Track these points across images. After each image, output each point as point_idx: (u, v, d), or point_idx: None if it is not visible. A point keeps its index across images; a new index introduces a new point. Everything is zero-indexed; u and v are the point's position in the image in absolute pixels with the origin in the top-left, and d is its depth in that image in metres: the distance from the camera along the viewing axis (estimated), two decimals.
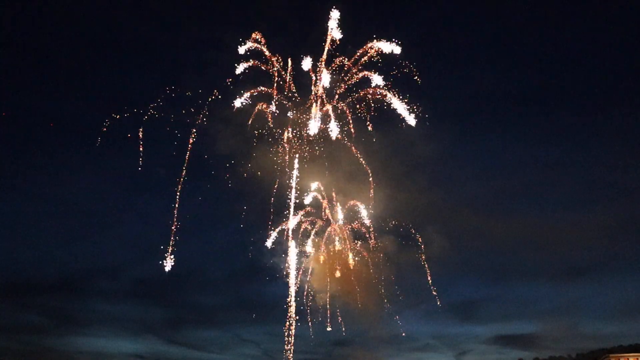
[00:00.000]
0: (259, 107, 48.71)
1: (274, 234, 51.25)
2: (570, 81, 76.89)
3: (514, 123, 76.82)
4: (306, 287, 54.23)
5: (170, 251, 48.71)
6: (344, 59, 47.38)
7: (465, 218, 61.01)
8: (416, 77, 46.07)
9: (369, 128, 48.22)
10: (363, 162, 51.03)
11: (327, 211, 53.87)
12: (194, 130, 51.00)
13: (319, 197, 52.58)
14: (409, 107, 45.60)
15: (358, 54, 47.12)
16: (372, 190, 52.00)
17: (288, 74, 47.26)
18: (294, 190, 50.94)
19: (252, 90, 48.69)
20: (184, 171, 50.52)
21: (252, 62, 47.36)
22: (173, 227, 47.99)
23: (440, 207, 55.73)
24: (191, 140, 50.40)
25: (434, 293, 54.09)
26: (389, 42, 45.58)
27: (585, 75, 76.33)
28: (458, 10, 69.41)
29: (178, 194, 48.99)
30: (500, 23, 71.36)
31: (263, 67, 47.33)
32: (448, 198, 56.61)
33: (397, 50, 44.65)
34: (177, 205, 48.58)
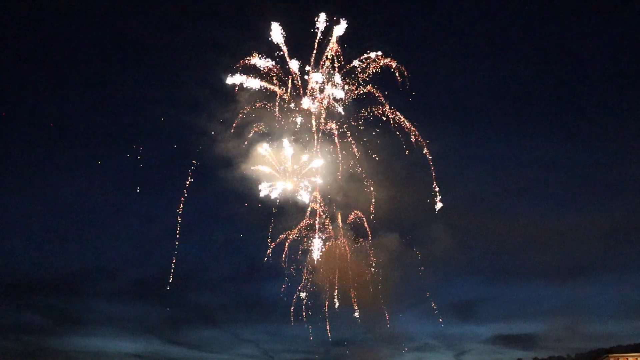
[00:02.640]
0: (255, 130, 49.25)
1: (270, 252, 51.87)
2: (571, 81, 76.85)
3: (516, 123, 76.83)
4: (304, 289, 54.42)
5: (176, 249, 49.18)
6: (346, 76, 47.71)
7: (465, 218, 61.17)
8: (406, 84, 46.70)
9: (374, 155, 48.88)
10: (360, 168, 51.35)
11: (327, 214, 54.07)
12: (195, 131, 51.29)
13: (319, 202, 52.77)
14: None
15: (360, 66, 47.35)
16: (372, 192, 52.20)
17: (288, 91, 47.48)
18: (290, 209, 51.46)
19: (249, 107, 49.03)
20: (188, 171, 50.78)
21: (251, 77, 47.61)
22: (177, 228, 48.40)
23: (440, 207, 55.90)
24: (192, 141, 50.72)
25: (432, 304, 54.52)
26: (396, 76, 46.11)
27: (587, 74, 76.27)
28: (457, 6, 69.44)
29: (185, 193, 49.36)
30: (500, 20, 71.42)
31: (264, 84, 47.60)
32: (448, 198, 56.63)
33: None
34: (182, 205, 48.96)
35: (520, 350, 78.20)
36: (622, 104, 72.02)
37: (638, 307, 69.20)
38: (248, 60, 47.08)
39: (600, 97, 74.30)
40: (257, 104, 48.59)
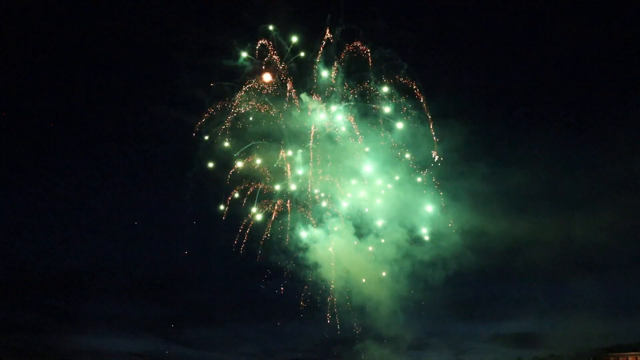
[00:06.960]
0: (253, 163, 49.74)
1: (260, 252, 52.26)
2: (580, 78, 76.43)
3: (517, 122, 76.71)
4: (304, 287, 54.51)
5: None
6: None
7: (467, 216, 61.38)
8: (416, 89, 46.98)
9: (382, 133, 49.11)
10: (359, 160, 51.46)
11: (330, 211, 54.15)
12: (194, 130, 51.44)
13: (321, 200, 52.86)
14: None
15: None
16: (374, 191, 52.28)
17: (287, 97, 47.75)
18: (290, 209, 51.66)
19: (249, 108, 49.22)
20: (189, 171, 51.00)
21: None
22: (186, 227, 48.85)
23: (443, 205, 56.39)
24: (191, 140, 50.90)
25: (423, 303, 54.84)
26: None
27: (597, 72, 75.72)
28: (464, 3, 69.34)
29: (187, 193, 49.80)
30: (508, 17, 71.30)
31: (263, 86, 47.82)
32: (452, 197, 57.07)
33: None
34: (183, 205, 49.34)
35: (519, 349, 78.22)
36: (625, 101, 71.91)
37: (638, 306, 69.28)
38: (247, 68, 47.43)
39: (610, 94, 74.02)
40: (259, 106, 48.80)
